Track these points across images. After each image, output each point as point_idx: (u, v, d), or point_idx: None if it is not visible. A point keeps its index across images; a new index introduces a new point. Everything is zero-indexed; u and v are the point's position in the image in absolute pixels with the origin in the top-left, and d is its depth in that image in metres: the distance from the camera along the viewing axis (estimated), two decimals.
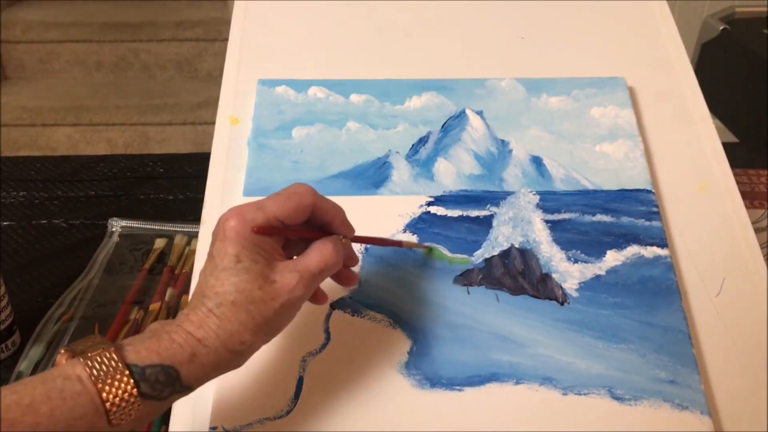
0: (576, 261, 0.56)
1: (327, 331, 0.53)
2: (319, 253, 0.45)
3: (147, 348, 0.40)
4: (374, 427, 0.49)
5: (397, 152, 0.64)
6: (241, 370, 0.51)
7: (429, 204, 0.60)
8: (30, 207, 0.95)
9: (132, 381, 0.38)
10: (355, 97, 0.67)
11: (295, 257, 0.46)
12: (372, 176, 0.62)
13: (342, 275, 0.50)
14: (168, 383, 0.39)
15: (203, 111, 2.30)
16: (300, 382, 0.50)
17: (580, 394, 0.50)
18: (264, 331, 0.43)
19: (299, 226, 0.46)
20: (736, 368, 0.52)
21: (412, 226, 0.58)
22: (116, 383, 0.38)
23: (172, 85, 2.42)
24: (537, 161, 0.63)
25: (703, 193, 0.62)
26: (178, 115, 2.31)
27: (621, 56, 0.72)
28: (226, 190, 0.61)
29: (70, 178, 1.00)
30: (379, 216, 0.59)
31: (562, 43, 0.73)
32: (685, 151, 0.65)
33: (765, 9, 1.36)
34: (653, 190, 0.61)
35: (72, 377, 0.38)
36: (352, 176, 0.62)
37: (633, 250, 0.57)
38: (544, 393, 0.50)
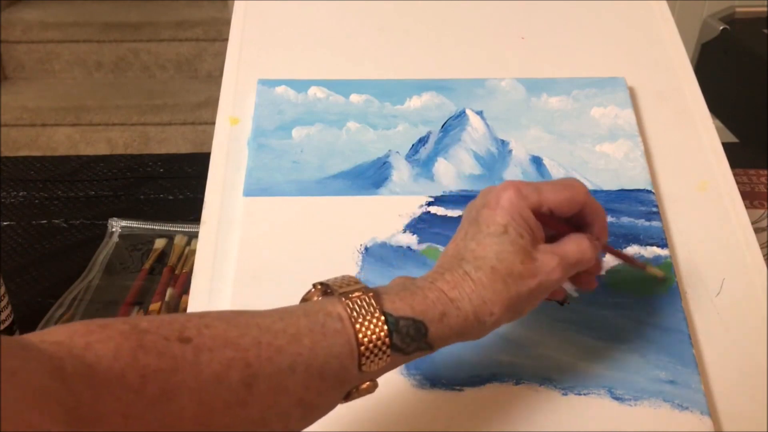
0: None
1: None
2: (576, 244, 0.45)
3: (402, 299, 0.40)
4: (374, 427, 0.49)
5: (397, 152, 0.64)
6: None
7: (429, 204, 0.60)
8: (30, 207, 0.95)
9: (387, 330, 0.38)
10: (355, 97, 0.67)
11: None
12: (372, 176, 0.62)
13: (584, 278, 0.48)
14: (416, 338, 0.39)
15: (203, 111, 2.30)
16: None
17: (580, 394, 0.50)
18: (513, 308, 0.42)
19: (562, 220, 0.46)
20: (736, 368, 0.52)
21: (412, 226, 0.58)
22: (373, 328, 0.38)
23: (172, 85, 2.42)
24: (537, 161, 0.63)
25: (703, 193, 0.62)
26: (178, 115, 2.31)
27: (621, 56, 0.72)
28: (226, 190, 0.61)
29: (70, 178, 1.01)
30: (379, 216, 0.59)
31: (562, 43, 0.73)
32: (685, 151, 0.65)
33: (765, 9, 1.36)
34: (653, 190, 0.61)
35: (333, 314, 0.38)
36: (352, 176, 0.62)
37: (633, 250, 0.57)
38: (544, 393, 0.50)
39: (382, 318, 0.38)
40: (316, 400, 0.37)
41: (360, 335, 0.37)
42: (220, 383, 0.33)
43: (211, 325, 0.35)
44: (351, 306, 0.38)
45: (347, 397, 0.39)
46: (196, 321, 0.35)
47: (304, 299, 0.41)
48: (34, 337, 0.31)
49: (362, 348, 0.37)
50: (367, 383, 0.39)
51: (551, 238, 0.46)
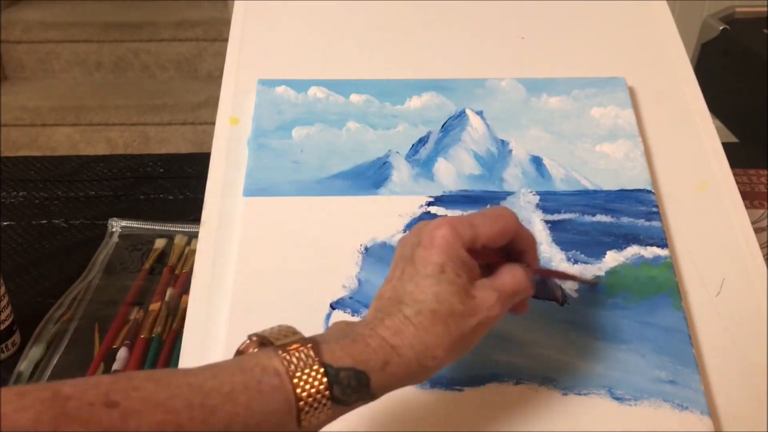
0: (576, 261, 0.56)
1: None
2: (511, 276, 0.44)
3: (342, 348, 0.38)
4: (374, 427, 0.49)
5: (397, 152, 0.64)
6: None
7: (429, 204, 0.60)
8: (30, 207, 0.95)
9: (327, 382, 0.37)
10: (355, 97, 0.67)
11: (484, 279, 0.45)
12: (372, 176, 0.62)
13: (516, 303, 0.48)
14: (358, 388, 0.38)
15: (203, 111, 2.30)
16: None
17: (580, 394, 0.50)
18: (457, 348, 0.41)
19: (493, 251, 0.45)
20: (736, 368, 0.52)
21: (412, 227, 0.58)
22: (312, 381, 0.36)
23: (172, 85, 2.42)
24: (537, 161, 0.63)
25: (703, 193, 0.62)
26: (178, 115, 2.31)
27: (621, 56, 0.72)
28: (226, 190, 0.61)
29: (70, 178, 1.01)
30: (379, 216, 0.59)
31: (562, 43, 0.73)
32: (685, 151, 0.65)
33: (765, 9, 1.36)
34: (653, 190, 0.61)
35: (270, 369, 0.36)
36: (352, 176, 0.62)
37: (633, 250, 0.57)
38: (544, 393, 0.50)
39: (322, 370, 0.37)
40: None
41: (299, 390, 0.36)
42: None
43: (140, 387, 0.33)
44: (288, 359, 0.37)
45: None
46: (123, 383, 0.33)
47: (239, 352, 0.40)
48: None
49: (301, 403, 0.36)
50: None
51: (483, 268, 0.45)
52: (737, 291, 0.56)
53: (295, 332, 0.39)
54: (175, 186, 0.99)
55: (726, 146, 0.65)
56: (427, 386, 0.50)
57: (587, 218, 0.59)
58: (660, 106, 0.68)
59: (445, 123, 0.66)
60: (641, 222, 0.59)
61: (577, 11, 0.76)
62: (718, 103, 1.12)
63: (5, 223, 0.92)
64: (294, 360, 0.37)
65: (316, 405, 0.36)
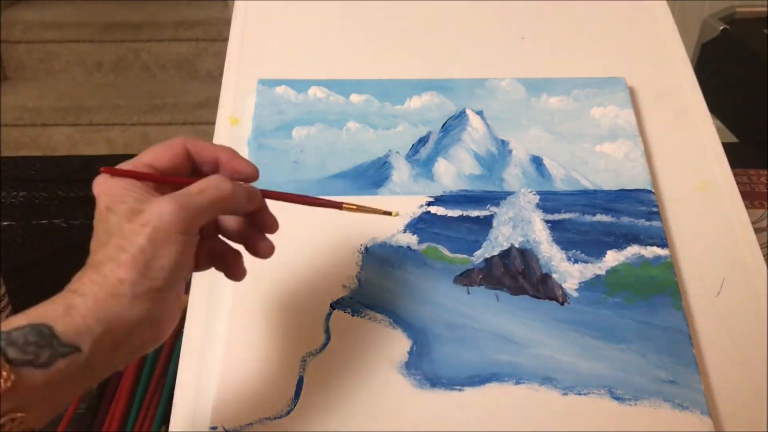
0: (576, 261, 0.56)
1: (327, 331, 0.53)
2: (201, 182, 0.41)
3: (18, 316, 0.36)
4: (374, 427, 0.49)
5: (397, 152, 0.64)
6: (241, 370, 0.51)
7: (429, 204, 0.60)
8: (30, 207, 0.95)
9: None
10: (355, 97, 0.67)
11: None
12: (372, 176, 0.62)
13: (257, 242, 0.46)
14: (42, 343, 0.34)
15: (203, 111, 2.30)
16: (300, 382, 0.50)
17: (580, 394, 0.50)
18: (140, 264, 0.38)
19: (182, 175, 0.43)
20: (736, 368, 0.52)
21: (412, 226, 0.58)
22: None
23: (172, 85, 2.42)
24: (537, 161, 0.63)
25: (703, 193, 0.62)
26: (178, 115, 2.31)
27: (621, 56, 0.72)
28: None
29: (70, 178, 1.01)
30: (380, 216, 0.59)
31: (562, 43, 0.73)
32: (685, 151, 0.65)
33: (765, 9, 1.36)
34: (653, 190, 0.61)
35: None
36: (352, 176, 0.62)
37: (633, 250, 0.57)
38: (544, 393, 0.50)
39: None
40: None
41: None
42: None
43: None
44: None
45: None
46: None
47: None
48: None
49: None
50: (20, 414, 0.34)
51: None
52: (737, 291, 0.56)
53: None
54: None
55: (726, 146, 0.65)
56: (427, 386, 0.50)
57: (587, 218, 0.59)
58: (660, 106, 0.68)
59: (445, 123, 0.66)
60: (641, 222, 0.59)
61: (577, 11, 0.76)
62: (718, 103, 1.12)
63: (5, 223, 0.92)
64: None
65: None
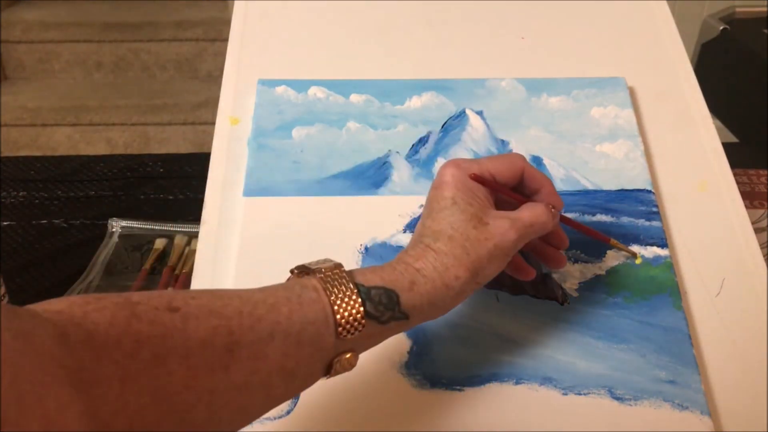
0: (576, 261, 0.56)
1: None
2: (530, 209, 0.47)
3: (372, 272, 0.42)
4: (374, 427, 0.49)
5: (397, 152, 0.64)
6: None
7: None
8: (30, 207, 0.95)
9: (359, 299, 0.40)
10: (355, 97, 0.67)
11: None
12: (372, 176, 0.62)
13: (550, 255, 0.52)
14: (389, 306, 0.41)
15: (203, 111, 2.30)
16: None
17: (580, 394, 0.50)
18: (476, 270, 0.44)
19: (509, 188, 0.49)
20: (736, 368, 0.52)
21: (412, 226, 0.58)
22: (346, 298, 0.40)
23: (172, 85, 2.42)
24: (537, 161, 0.63)
25: (703, 193, 0.62)
26: (178, 115, 2.31)
27: (621, 56, 0.72)
28: (226, 190, 0.61)
29: (70, 178, 1.01)
30: (379, 216, 0.59)
31: (562, 43, 0.73)
32: (685, 151, 0.65)
33: (765, 9, 1.36)
34: (653, 190, 0.61)
35: (308, 286, 0.40)
36: (352, 176, 0.62)
37: (633, 250, 0.57)
38: (544, 393, 0.50)
39: (355, 289, 0.40)
40: (296, 368, 0.39)
41: (335, 306, 0.40)
42: (205, 349, 0.35)
43: (197, 297, 0.37)
44: (324, 278, 0.41)
45: (330, 371, 0.41)
46: (182, 294, 0.37)
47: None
48: (37, 307, 0.33)
49: (338, 317, 0.39)
50: (349, 354, 0.41)
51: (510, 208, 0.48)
52: (737, 291, 0.56)
53: (329, 260, 0.43)
54: (175, 186, 0.99)
55: (726, 146, 0.65)
56: (427, 386, 0.50)
57: (587, 218, 0.59)
58: (660, 106, 0.68)
59: (445, 123, 0.66)
60: (641, 222, 0.59)
61: (577, 11, 0.76)
62: (718, 103, 1.12)
63: (5, 223, 0.92)
64: (329, 279, 0.41)
65: (351, 320, 0.40)
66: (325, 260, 0.43)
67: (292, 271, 0.44)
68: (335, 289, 0.40)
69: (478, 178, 0.47)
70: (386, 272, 0.43)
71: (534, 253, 0.52)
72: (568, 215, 0.59)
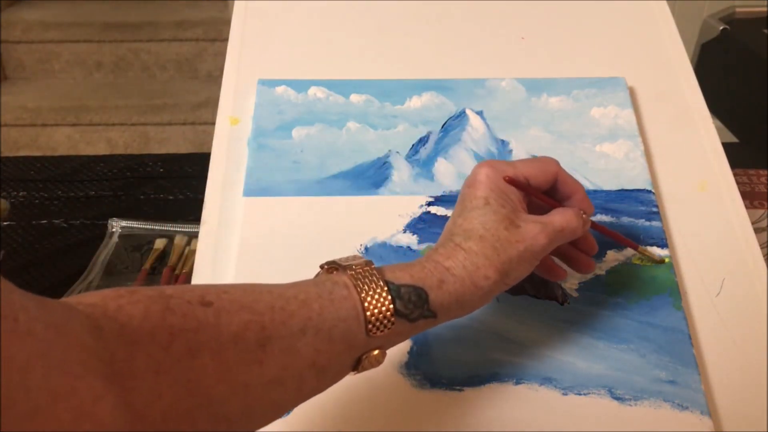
0: None
1: None
2: (561, 214, 0.47)
3: (401, 269, 0.43)
4: (374, 427, 0.49)
5: (397, 152, 0.64)
6: None
7: (429, 204, 0.60)
8: (30, 207, 0.95)
9: (389, 297, 0.40)
10: (355, 97, 0.67)
11: None
12: (372, 176, 0.62)
13: (579, 260, 0.52)
14: (419, 304, 0.41)
15: (203, 111, 2.30)
16: None
17: (580, 394, 0.50)
18: (506, 272, 0.44)
19: (542, 192, 0.49)
20: (736, 368, 0.52)
21: (412, 226, 0.58)
22: (376, 296, 0.40)
23: (172, 85, 2.42)
24: None
25: (703, 193, 0.62)
26: (178, 115, 2.31)
27: (621, 56, 0.72)
28: (226, 190, 0.61)
29: (70, 178, 1.01)
30: (379, 216, 0.59)
31: (562, 43, 0.73)
32: (685, 151, 0.65)
33: (765, 9, 1.36)
34: (653, 190, 0.61)
35: (340, 283, 0.40)
36: (352, 176, 0.62)
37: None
38: (544, 393, 0.50)
39: (385, 287, 0.41)
40: (327, 363, 0.39)
41: (366, 303, 0.40)
42: (237, 343, 0.36)
43: (229, 291, 0.38)
44: (355, 276, 0.41)
45: (358, 367, 0.41)
46: (215, 288, 0.38)
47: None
48: (71, 300, 0.33)
49: (368, 314, 0.40)
50: (377, 351, 0.41)
51: (541, 212, 0.49)
52: (737, 291, 0.56)
53: (359, 257, 0.43)
54: (175, 186, 0.99)
55: (726, 146, 0.65)
56: (427, 386, 0.50)
57: None
58: (660, 106, 0.68)
59: (445, 123, 0.66)
60: (641, 222, 0.59)
61: (577, 11, 0.76)
62: (718, 103, 1.12)
63: (5, 223, 0.92)
64: (360, 276, 0.41)
65: (381, 317, 0.40)
66: (355, 257, 0.43)
67: (322, 267, 0.44)
68: (366, 287, 0.40)
69: (512, 181, 0.47)
70: (416, 270, 0.43)
71: (562, 258, 0.52)
72: None
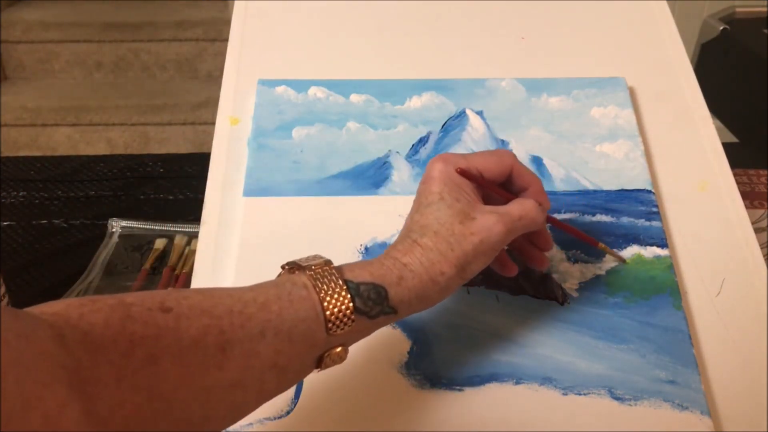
0: (576, 261, 0.56)
1: None
2: (519, 204, 0.47)
3: (360, 268, 0.43)
4: (374, 427, 0.49)
5: (397, 152, 0.64)
6: None
7: None
8: (30, 207, 0.95)
9: (348, 295, 0.41)
10: (355, 97, 0.67)
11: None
12: (372, 176, 0.62)
13: (533, 256, 0.52)
14: (378, 301, 0.42)
15: (203, 111, 2.30)
16: (300, 382, 0.50)
17: (580, 394, 0.50)
18: (462, 266, 0.44)
19: (497, 185, 0.49)
20: (736, 368, 0.52)
21: None
22: (335, 295, 0.41)
23: (172, 85, 2.42)
24: (537, 161, 0.63)
25: (703, 193, 0.62)
26: (178, 115, 2.31)
27: (621, 56, 0.72)
28: (226, 190, 0.61)
29: (70, 178, 1.01)
30: (379, 216, 0.59)
31: (562, 43, 0.73)
32: (685, 151, 0.65)
33: (765, 9, 1.36)
34: (653, 190, 0.61)
35: (298, 283, 0.41)
36: (352, 176, 0.62)
37: (633, 250, 0.57)
38: (544, 393, 0.50)
39: (344, 286, 0.41)
40: (288, 363, 0.39)
41: (325, 303, 0.40)
42: (197, 348, 0.36)
43: (189, 297, 0.38)
44: (314, 276, 0.41)
45: (321, 364, 0.42)
46: (175, 294, 0.38)
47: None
48: (34, 310, 0.34)
49: (327, 313, 0.40)
50: (339, 348, 0.42)
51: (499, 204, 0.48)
52: (737, 291, 0.56)
53: (319, 257, 0.43)
54: (175, 186, 0.99)
55: (726, 146, 0.65)
56: (427, 386, 0.50)
57: (587, 218, 0.59)
58: (660, 106, 0.68)
59: (445, 123, 0.66)
60: (641, 222, 0.59)
61: (577, 11, 0.76)
62: (718, 103, 1.12)
63: (5, 223, 0.92)
64: (319, 276, 0.41)
65: (341, 316, 0.40)
66: (315, 256, 0.43)
67: (283, 267, 0.44)
68: (324, 286, 0.41)
69: (464, 173, 0.47)
70: (375, 267, 0.43)
71: (518, 253, 0.53)
72: (569, 215, 0.59)
